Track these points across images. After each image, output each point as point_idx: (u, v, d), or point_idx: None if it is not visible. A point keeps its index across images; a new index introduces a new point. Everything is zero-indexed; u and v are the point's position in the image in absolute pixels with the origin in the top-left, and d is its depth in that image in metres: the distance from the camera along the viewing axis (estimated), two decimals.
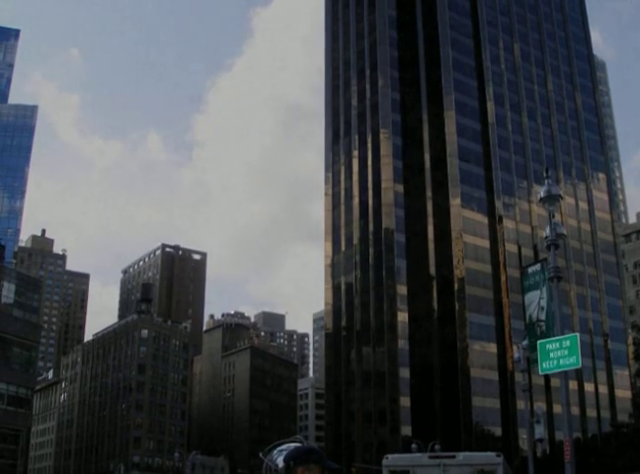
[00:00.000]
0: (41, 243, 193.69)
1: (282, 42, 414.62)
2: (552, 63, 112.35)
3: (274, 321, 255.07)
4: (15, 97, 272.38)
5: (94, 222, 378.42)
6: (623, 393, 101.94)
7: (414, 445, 62.24)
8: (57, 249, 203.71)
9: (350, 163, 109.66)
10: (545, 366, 18.62)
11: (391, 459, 24.87)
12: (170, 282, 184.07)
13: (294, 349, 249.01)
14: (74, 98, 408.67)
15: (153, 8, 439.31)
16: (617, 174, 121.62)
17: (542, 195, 19.26)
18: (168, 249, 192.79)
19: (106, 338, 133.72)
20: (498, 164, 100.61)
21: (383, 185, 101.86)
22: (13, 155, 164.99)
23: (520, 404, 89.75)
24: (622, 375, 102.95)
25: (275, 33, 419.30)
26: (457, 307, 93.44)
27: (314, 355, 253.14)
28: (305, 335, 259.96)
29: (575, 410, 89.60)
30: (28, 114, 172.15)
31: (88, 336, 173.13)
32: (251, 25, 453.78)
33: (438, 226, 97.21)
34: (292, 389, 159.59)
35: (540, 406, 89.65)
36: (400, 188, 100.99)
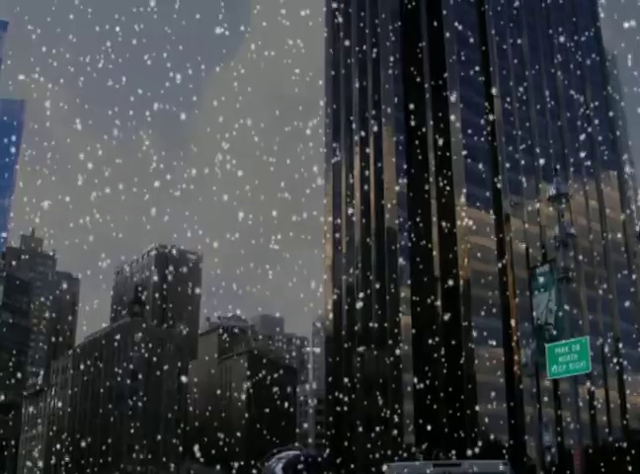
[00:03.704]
0: (31, 243, 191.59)
1: (282, 35, 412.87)
2: (561, 56, 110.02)
3: (272, 324, 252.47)
4: (2, 91, 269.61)
5: (85, 221, 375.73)
6: (636, 399, 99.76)
7: (417, 453, 61.01)
8: (47, 249, 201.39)
9: (351, 161, 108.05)
10: (554, 371, 18.84)
11: (394, 468, 23.20)
12: (164, 284, 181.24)
13: (293, 353, 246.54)
14: (64, 92, 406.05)
15: (144, 1, 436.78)
16: (629, 171, 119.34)
17: (551, 193, 19.16)
18: (162, 249, 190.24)
19: (97, 342, 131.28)
20: (505, 161, 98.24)
21: (386, 183, 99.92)
22: (0, 152, 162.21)
23: (528, 410, 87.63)
24: (635, 380, 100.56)
25: (274, 25, 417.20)
26: (463, 310, 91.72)
27: (314, 359, 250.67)
28: (305, 338, 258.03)
29: (585, 416, 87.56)
30: (16, 109, 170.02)
31: (79, 340, 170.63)
32: (248, 18, 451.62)
33: (442, 226, 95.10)
34: (291, 395, 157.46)
35: (549, 412, 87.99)
36: (403, 186, 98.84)
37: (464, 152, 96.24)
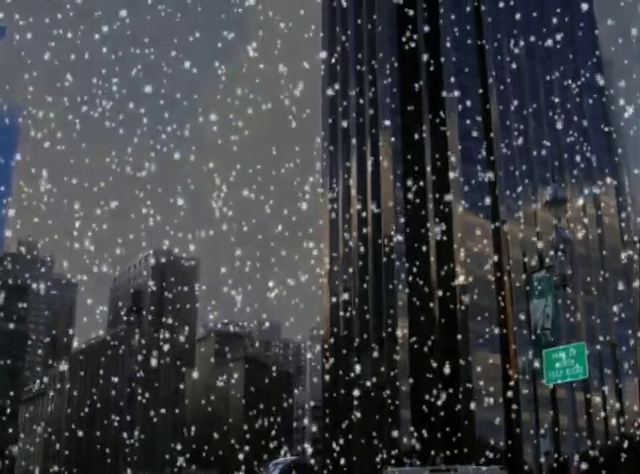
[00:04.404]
0: (28, 248, 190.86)
1: (277, 42, 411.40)
2: (557, 62, 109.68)
3: (269, 330, 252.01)
4: None
5: (82, 227, 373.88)
6: (633, 404, 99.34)
7: (415, 459, 60.67)
8: (45, 254, 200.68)
9: (348, 168, 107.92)
10: (551, 377, 18.83)
11: (391, 472, 24.42)
12: (161, 290, 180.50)
13: (290, 358, 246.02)
14: (62, 98, 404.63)
15: (143, 10, 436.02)
16: (626, 177, 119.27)
17: (548, 199, 19.18)
18: (159, 255, 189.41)
19: (95, 347, 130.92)
20: (502, 167, 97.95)
21: (383, 190, 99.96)
22: None
23: (525, 416, 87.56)
24: (632, 386, 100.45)
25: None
26: (459, 316, 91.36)
27: (311, 365, 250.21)
28: (302, 344, 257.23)
29: (582, 422, 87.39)
30: (12, 115, 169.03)
31: (76, 345, 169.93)
32: (242, 26, 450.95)
33: (439, 233, 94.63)
34: (288, 400, 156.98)
35: (546, 418, 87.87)
36: (400, 193, 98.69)
37: (461, 158, 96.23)
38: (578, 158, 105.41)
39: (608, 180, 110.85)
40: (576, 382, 19.39)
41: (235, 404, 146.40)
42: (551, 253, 19.13)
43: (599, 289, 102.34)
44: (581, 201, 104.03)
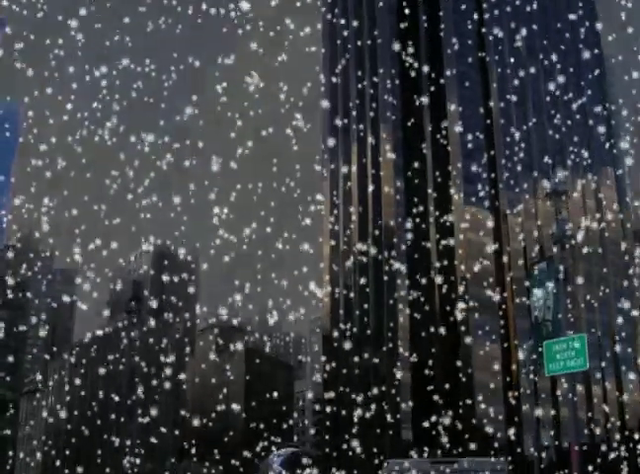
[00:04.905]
0: (28, 241, 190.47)
1: (277, 32, 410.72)
2: (558, 54, 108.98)
3: (270, 322, 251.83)
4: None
5: (82, 218, 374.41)
6: (633, 398, 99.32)
7: (415, 451, 60.36)
8: (45, 247, 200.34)
9: (348, 159, 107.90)
10: (552, 368, 18.89)
11: (392, 465, 24.53)
12: (161, 281, 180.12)
13: (291, 351, 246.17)
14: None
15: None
16: (627, 169, 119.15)
17: (549, 191, 20.13)
18: (159, 246, 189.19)
19: (95, 339, 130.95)
20: (502, 159, 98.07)
21: (383, 182, 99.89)
22: None
23: (526, 408, 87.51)
24: (632, 379, 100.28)
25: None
26: (460, 308, 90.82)
27: (311, 357, 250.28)
28: (302, 337, 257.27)
29: (582, 415, 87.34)
30: (12, 108, 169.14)
31: (77, 337, 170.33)
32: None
33: (440, 224, 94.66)
34: (289, 392, 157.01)
35: (547, 410, 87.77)
36: (401, 184, 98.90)
37: (462, 149, 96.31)
38: (577, 150, 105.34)
39: (609, 171, 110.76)
40: (576, 374, 19.95)
41: (236, 392, 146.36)
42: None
43: (599, 281, 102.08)
44: (581, 194, 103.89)
